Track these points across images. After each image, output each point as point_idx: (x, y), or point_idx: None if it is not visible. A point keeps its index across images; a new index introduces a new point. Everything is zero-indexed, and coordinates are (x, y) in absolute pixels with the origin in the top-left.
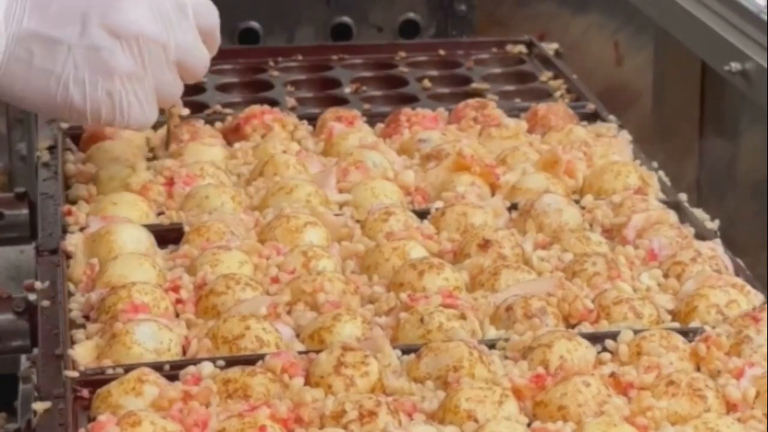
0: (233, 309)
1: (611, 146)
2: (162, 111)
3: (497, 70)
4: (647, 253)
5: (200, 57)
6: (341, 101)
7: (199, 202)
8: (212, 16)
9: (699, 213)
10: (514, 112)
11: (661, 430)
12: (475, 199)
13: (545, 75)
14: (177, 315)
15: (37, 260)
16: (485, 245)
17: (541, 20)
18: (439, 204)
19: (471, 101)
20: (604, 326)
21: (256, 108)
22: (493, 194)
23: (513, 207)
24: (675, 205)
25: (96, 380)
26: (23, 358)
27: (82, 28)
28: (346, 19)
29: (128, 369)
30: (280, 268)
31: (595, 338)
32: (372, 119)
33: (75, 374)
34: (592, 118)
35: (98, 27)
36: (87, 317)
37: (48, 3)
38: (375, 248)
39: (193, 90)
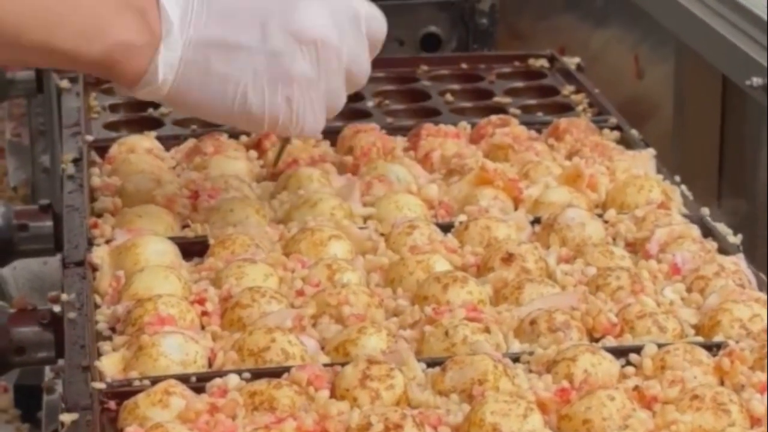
0: (259, 321)
1: (635, 160)
2: None
3: (519, 84)
4: (670, 267)
5: (365, 67)
6: (364, 114)
7: (223, 215)
8: (381, 32)
9: (722, 227)
10: (536, 126)
11: None
12: (498, 213)
13: (567, 89)
14: (203, 327)
15: (64, 272)
16: (509, 259)
17: (562, 34)
18: (463, 218)
19: (493, 118)
20: (627, 340)
21: None
22: (516, 208)
23: (536, 221)
24: (698, 220)
25: (123, 392)
26: (47, 369)
27: (262, 34)
28: None
29: (155, 381)
30: (305, 281)
31: (619, 352)
32: (394, 133)
33: (102, 386)
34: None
35: (280, 32)
36: (113, 329)
37: (225, 8)
38: (399, 261)
39: None
